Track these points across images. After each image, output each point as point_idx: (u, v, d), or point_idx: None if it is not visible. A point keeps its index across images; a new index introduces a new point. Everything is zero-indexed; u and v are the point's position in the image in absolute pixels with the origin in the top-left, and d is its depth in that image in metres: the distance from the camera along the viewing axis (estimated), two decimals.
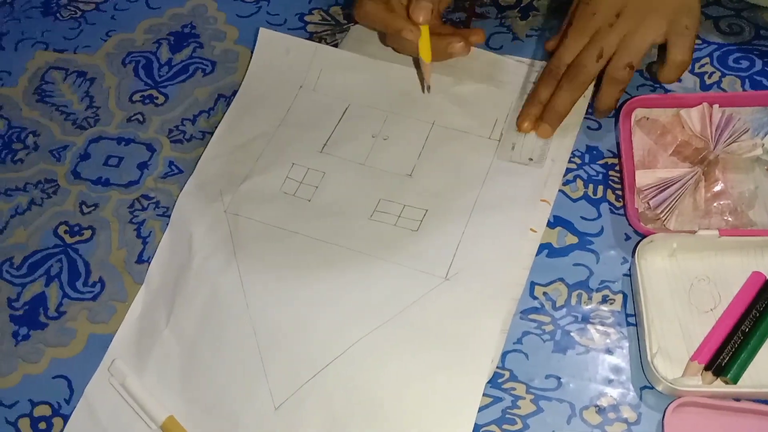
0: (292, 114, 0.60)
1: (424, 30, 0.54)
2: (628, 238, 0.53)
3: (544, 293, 0.52)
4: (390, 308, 0.50)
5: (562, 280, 0.52)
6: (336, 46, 0.65)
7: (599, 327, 0.50)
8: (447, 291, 0.50)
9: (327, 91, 0.61)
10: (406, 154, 0.57)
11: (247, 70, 0.64)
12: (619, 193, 0.55)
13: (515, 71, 0.60)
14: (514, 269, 0.51)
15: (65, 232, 0.58)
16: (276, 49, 0.63)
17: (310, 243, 0.53)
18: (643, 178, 0.53)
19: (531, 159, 0.55)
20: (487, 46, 0.63)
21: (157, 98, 0.64)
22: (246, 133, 0.60)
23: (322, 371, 0.48)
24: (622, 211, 0.54)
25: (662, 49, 0.55)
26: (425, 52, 0.55)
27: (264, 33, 0.64)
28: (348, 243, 0.53)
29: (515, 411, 0.48)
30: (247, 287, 0.52)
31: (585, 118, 0.58)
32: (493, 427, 0.47)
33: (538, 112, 0.56)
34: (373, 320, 0.50)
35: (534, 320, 0.51)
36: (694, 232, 0.50)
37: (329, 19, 0.67)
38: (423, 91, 0.59)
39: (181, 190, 0.58)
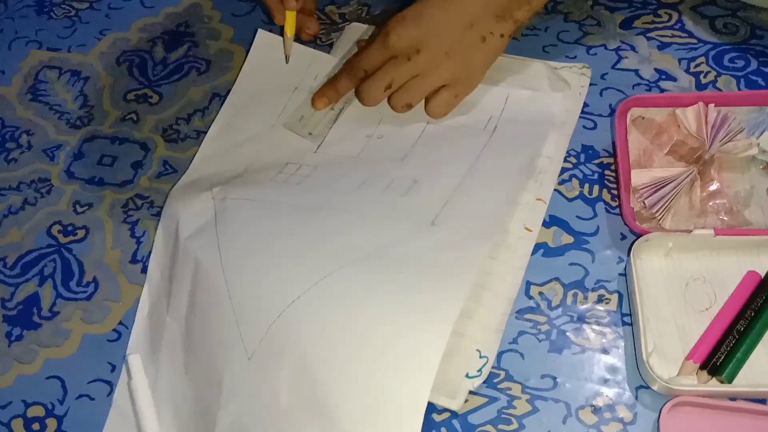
0: (287, 115, 0.60)
1: (291, 14, 0.61)
2: (623, 237, 0.53)
3: (540, 293, 0.52)
4: (368, 246, 0.50)
5: (557, 279, 0.52)
6: (331, 45, 0.65)
7: (595, 326, 0.50)
8: (431, 234, 0.50)
9: None
10: (399, 147, 0.58)
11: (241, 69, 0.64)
12: (615, 192, 0.55)
13: (507, 68, 0.60)
14: (499, 215, 0.52)
15: (59, 231, 0.58)
16: (272, 52, 0.63)
17: (295, 210, 0.53)
18: (639, 177, 0.53)
19: (310, 134, 0.59)
20: None
21: (151, 97, 0.64)
22: (240, 133, 0.60)
23: (290, 306, 0.47)
24: (617, 211, 0.54)
25: None
26: (289, 28, 0.62)
27: (261, 35, 0.64)
28: (333, 206, 0.53)
29: (511, 411, 0.48)
30: (223, 247, 0.52)
31: (580, 117, 0.58)
32: (488, 427, 0.47)
33: (333, 98, 0.59)
34: (347, 256, 0.49)
35: (529, 320, 0.51)
36: (690, 231, 0.50)
37: (324, 18, 0.67)
38: (286, 62, 0.63)
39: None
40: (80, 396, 0.50)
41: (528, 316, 0.51)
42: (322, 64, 0.63)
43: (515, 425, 0.47)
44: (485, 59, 0.56)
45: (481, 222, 0.51)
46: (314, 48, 0.64)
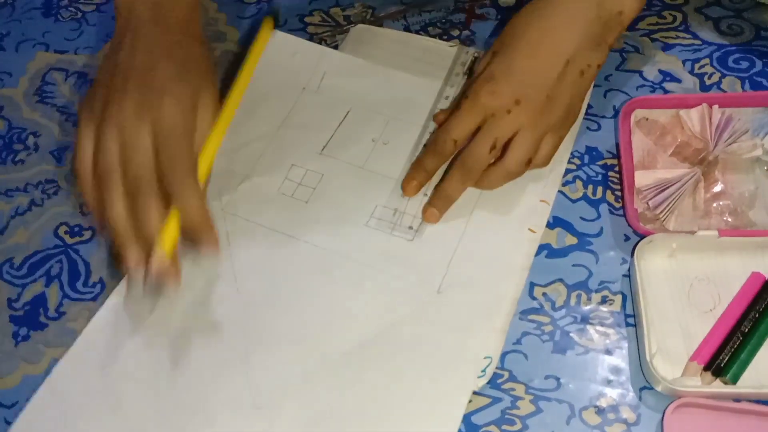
0: (294, 115, 0.61)
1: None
2: (627, 238, 0.53)
3: (544, 294, 0.52)
4: (379, 321, 0.50)
5: (561, 280, 0.52)
6: (336, 47, 0.65)
7: (599, 327, 0.50)
8: (437, 306, 0.51)
9: (329, 94, 0.61)
10: (405, 159, 0.57)
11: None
12: (619, 193, 0.55)
13: None
14: (506, 283, 0.51)
15: (66, 232, 0.58)
16: (282, 51, 0.64)
17: (306, 248, 0.54)
18: (643, 178, 0.53)
19: (411, 227, 0.54)
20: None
21: None
22: (247, 133, 0.60)
23: (309, 375, 0.49)
24: (621, 212, 0.54)
25: None
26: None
27: (277, 35, 0.64)
28: (343, 249, 0.53)
29: (514, 411, 0.48)
30: (241, 286, 0.52)
31: (584, 119, 0.58)
32: (492, 428, 0.47)
33: (423, 179, 0.54)
34: (362, 331, 0.50)
35: (533, 321, 0.51)
36: (694, 232, 0.50)
37: (329, 20, 0.67)
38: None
39: None
40: None
41: (532, 317, 0.51)
42: (331, 61, 0.63)
43: (519, 426, 0.47)
44: (585, 92, 0.53)
45: (487, 292, 0.51)
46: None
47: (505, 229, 0.53)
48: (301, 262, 0.53)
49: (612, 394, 0.48)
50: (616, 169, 0.56)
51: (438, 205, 0.53)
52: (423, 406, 0.47)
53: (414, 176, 0.54)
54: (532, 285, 0.52)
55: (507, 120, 0.51)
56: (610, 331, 0.50)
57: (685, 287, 0.50)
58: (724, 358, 0.47)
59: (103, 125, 0.48)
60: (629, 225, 0.53)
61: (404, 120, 0.59)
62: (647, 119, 0.56)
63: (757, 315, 0.48)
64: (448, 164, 0.54)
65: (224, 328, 0.51)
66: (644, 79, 0.60)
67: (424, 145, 0.57)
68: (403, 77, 0.61)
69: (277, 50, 0.63)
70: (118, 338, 0.51)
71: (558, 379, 0.49)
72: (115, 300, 0.53)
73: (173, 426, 0.48)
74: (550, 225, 0.54)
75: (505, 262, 0.52)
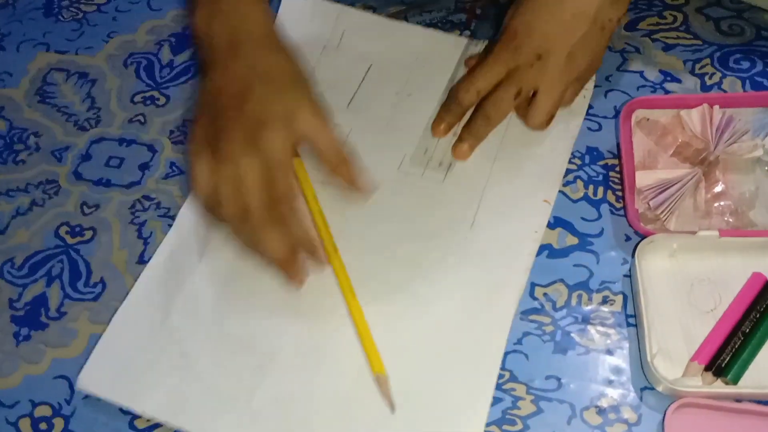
0: (317, 74, 0.61)
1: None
2: (628, 238, 0.53)
3: (545, 294, 0.52)
4: (419, 261, 0.52)
5: (562, 280, 0.52)
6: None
7: (599, 328, 0.50)
8: (471, 240, 0.53)
9: (350, 51, 0.63)
10: (429, 109, 0.58)
11: None
12: (620, 194, 0.55)
13: None
14: (532, 218, 0.53)
15: (66, 232, 0.58)
16: (299, 14, 0.64)
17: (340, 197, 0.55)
18: (644, 178, 0.53)
19: (440, 164, 0.56)
20: None
21: (158, 99, 0.65)
22: None
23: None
24: (622, 212, 0.54)
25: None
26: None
27: (287, 2, 0.65)
28: (377, 195, 0.54)
29: (515, 412, 0.48)
30: None
31: (585, 119, 0.58)
32: (493, 428, 0.47)
33: (452, 120, 0.56)
34: (404, 273, 0.52)
35: (534, 321, 0.51)
36: (695, 232, 0.50)
37: None
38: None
39: (182, 191, 0.59)
40: (87, 396, 0.51)
41: (533, 317, 0.51)
42: (350, 19, 0.64)
43: (520, 426, 0.47)
44: (605, 46, 0.55)
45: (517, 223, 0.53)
46: None
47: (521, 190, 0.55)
48: (340, 208, 0.54)
49: (613, 394, 0.48)
50: (617, 169, 0.56)
51: (468, 140, 0.55)
52: (469, 334, 0.49)
53: (443, 117, 0.56)
54: (532, 285, 0.52)
55: (530, 72, 0.53)
56: (611, 331, 0.50)
57: (686, 287, 0.50)
58: (725, 358, 0.47)
59: (220, 168, 0.48)
60: (630, 225, 0.53)
61: (426, 73, 0.61)
62: (648, 119, 0.57)
63: (757, 315, 0.48)
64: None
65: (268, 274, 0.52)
66: (645, 79, 0.60)
67: (449, 94, 0.57)
68: (422, 32, 0.63)
69: (295, 13, 0.65)
70: (180, 276, 0.53)
71: (559, 379, 0.49)
72: (169, 245, 0.55)
73: (236, 365, 0.49)
74: (551, 225, 0.54)
75: (529, 200, 0.54)
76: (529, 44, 0.53)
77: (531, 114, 0.55)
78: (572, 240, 0.54)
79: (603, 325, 0.50)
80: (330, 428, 0.47)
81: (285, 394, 0.48)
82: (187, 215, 0.56)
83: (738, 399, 0.46)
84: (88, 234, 0.58)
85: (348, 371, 0.49)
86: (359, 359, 0.49)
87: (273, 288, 0.51)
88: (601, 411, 0.47)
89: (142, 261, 0.56)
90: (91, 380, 0.50)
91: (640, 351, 0.49)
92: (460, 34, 0.64)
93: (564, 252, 0.53)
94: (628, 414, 0.47)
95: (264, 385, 0.49)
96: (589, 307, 0.51)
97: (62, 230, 0.58)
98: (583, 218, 0.54)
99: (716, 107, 0.55)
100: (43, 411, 0.51)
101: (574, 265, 0.53)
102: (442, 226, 0.53)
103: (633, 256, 0.51)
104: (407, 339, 0.49)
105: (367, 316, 0.50)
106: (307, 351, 0.50)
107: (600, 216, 0.55)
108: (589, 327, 0.50)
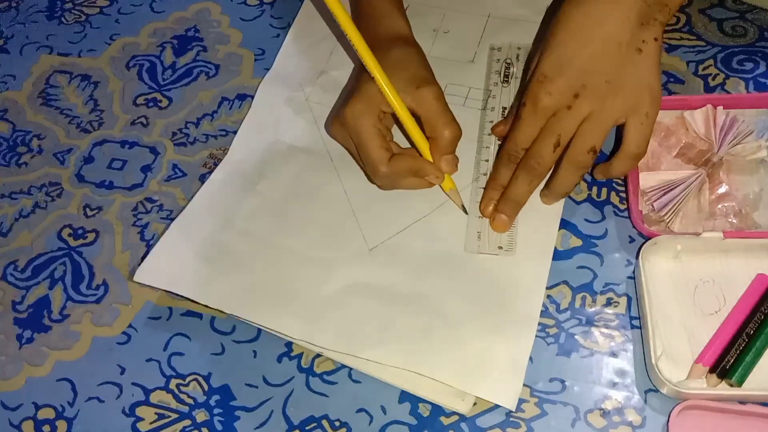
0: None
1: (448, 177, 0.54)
2: (632, 240, 0.53)
3: (548, 296, 0.52)
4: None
5: (566, 282, 0.52)
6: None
7: (603, 330, 0.50)
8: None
9: None
10: (466, 43, 0.62)
11: (252, 72, 0.64)
12: (623, 195, 0.55)
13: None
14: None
15: (69, 235, 0.58)
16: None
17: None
18: (647, 180, 0.53)
19: (500, 247, 0.52)
20: None
21: (160, 101, 0.65)
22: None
23: (410, 226, 0.54)
24: (626, 214, 0.54)
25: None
26: (449, 183, 0.54)
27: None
28: None
29: (519, 414, 0.48)
30: (337, 163, 0.58)
31: None
32: (497, 431, 0.47)
33: (499, 196, 0.53)
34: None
35: (538, 323, 0.51)
36: (699, 234, 0.50)
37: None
38: (465, 212, 0.55)
39: (185, 194, 0.59)
40: (90, 398, 0.51)
41: None
42: None
43: (524, 428, 0.47)
44: (652, 67, 0.49)
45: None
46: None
47: None
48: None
49: (617, 396, 0.48)
50: None
51: (507, 211, 0.52)
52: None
53: (491, 196, 0.53)
54: None
55: (569, 115, 0.49)
56: (615, 333, 0.50)
57: (690, 289, 0.50)
58: (729, 360, 0.46)
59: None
60: (634, 227, 0.53)
61: (459, 9, 0.64)
62: None
63: (762, 317, 0.48)
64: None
65: (327, 194, 0.56)
66: None
67: (494, 163, 0.55)
68: None
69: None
70: (237, 193, 0.57)
71: (563, 381, 0.48)
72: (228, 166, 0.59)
73: (293, 274, 0.53)
74: None
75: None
76: (563, 83, 0.49)
77: (566, 157, 0.50)
78: (576, 242, 0.53)
79: (607, 327, 0.50)
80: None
81: (348, 288, 0.51)
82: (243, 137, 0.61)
83: (742, 401, 0.46)
84: (91, 236, 0.58)
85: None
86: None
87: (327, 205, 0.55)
88: (605, 413, 0.47)
89: None
90: (150, 274, 0.53)
91: (644, 353, 0.48)
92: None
93: (568, 254, 0.53)
94: (632, 416, 0.47)
95: (331, 279, 0.52)
96: (592, 309, 0.51)
97: (65, 232, 0.58)
98: (586, 220, 0.54)
99: (720, 108, 0.55)
100: (46, 413, 0.51)
101: (578, 267, 0.52)
102: None
103: (637, 257, 0.51)
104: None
105: None
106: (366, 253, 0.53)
107: (604, 217, 0.54)
108: (592, 329, 0.50)
